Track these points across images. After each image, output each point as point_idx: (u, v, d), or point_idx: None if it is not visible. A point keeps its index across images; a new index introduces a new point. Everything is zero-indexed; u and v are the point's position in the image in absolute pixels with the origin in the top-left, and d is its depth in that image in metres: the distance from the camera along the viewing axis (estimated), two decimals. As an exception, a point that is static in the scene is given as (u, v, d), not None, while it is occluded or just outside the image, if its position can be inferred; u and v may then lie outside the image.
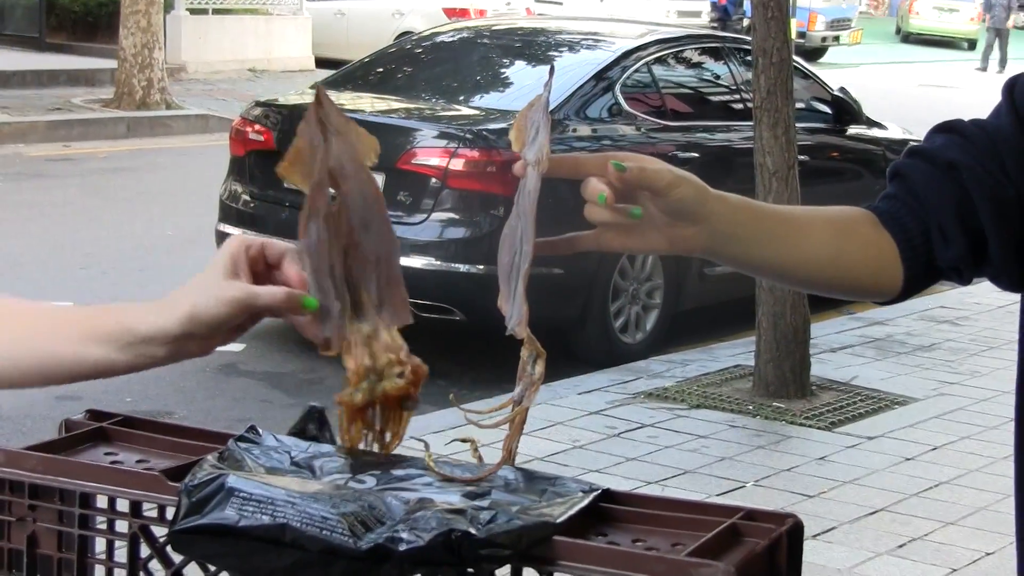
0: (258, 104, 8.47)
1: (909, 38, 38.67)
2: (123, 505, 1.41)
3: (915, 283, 1.67)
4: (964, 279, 1.67)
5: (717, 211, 1.55)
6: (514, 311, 1.44)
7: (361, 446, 1.46)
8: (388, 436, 1.47)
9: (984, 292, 9.22)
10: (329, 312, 1.45)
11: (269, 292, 1.43)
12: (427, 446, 1.46)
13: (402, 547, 1.26)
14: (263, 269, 1.46)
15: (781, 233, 1.61)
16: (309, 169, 1.45)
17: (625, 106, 8.24)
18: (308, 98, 6.93)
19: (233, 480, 1.32)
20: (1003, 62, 30.67)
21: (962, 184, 1.64)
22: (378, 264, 1.47)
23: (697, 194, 1.53)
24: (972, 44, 34.23)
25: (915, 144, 1.71)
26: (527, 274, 1.44)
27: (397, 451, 1.46)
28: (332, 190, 1.46)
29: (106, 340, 1.44)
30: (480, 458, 1.45)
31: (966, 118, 1.71)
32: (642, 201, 1.51)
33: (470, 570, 1.29)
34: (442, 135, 7.61)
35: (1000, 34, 31.25)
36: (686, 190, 1.51)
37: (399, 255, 1.49)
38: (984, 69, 30.32)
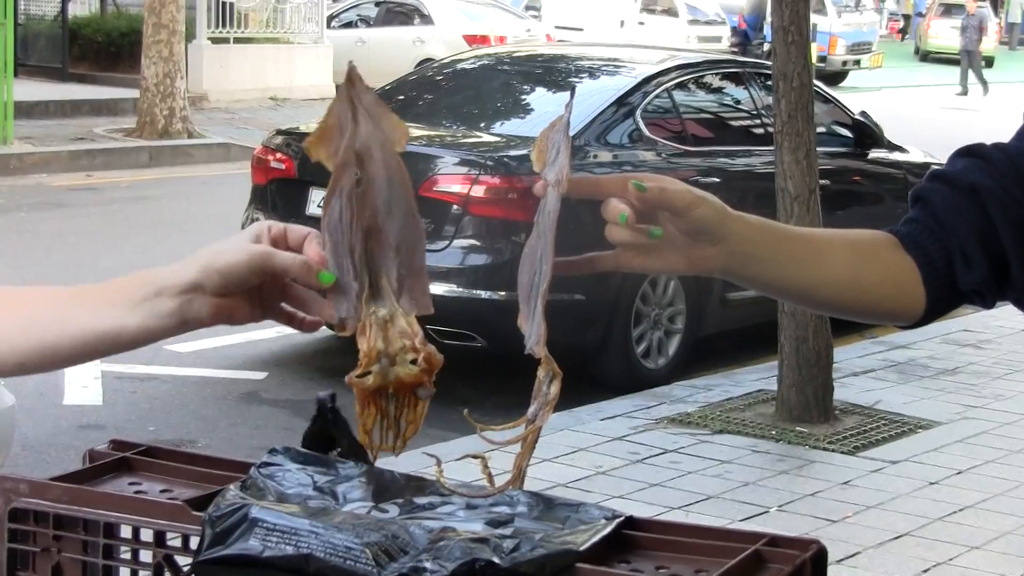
0: (279, 132, 8.50)
1: (928, 57, 38.78)
2: (147, 535, 1.41)
3: (938, 307, 1.67)
4: (987, 302, 1.67)
5: (736, 231, 1.55)
6: (533, 330, 1.44)
7: (376, 433, 1.44)
8: (403, 424, 1.44)
9: (1007, 315, 9.19)
10: (346, 291, 1.43)
11: (287, 254, 1.43)
12: (438, 461, 1.45)
13: (426, 576, 1.26)
14: (284, 249, 1.46)
15: (801, 254, 1.61)
16: (336, 146, 1.44)
17: (646, 132, 8.24)
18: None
19: (257, 510, 1.32)
20: (984, 85, 30.16)
21: (984, 207, 1.63)
22: (400, 251, 1.45)
23: (717, 214, 1.52)
24: (989, 62, 34.06)
25: (937, 168, 1.71)
26: (546, 293, 1.44)
27: (418, 475, 1.45)
28: (358, 172, 1.44)
29: (119, 302, 1.44)
30: (490, 475, 1.45)
31: (988, 142, 1.71)
32: (662, 221, 1.51)
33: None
34: (463, 162, 7.61)
35: (972, 56, 30.77)
36: (706, 210, 1.51)
37: (424, 246, 1.47)
38: (965, 93, 29.89)
